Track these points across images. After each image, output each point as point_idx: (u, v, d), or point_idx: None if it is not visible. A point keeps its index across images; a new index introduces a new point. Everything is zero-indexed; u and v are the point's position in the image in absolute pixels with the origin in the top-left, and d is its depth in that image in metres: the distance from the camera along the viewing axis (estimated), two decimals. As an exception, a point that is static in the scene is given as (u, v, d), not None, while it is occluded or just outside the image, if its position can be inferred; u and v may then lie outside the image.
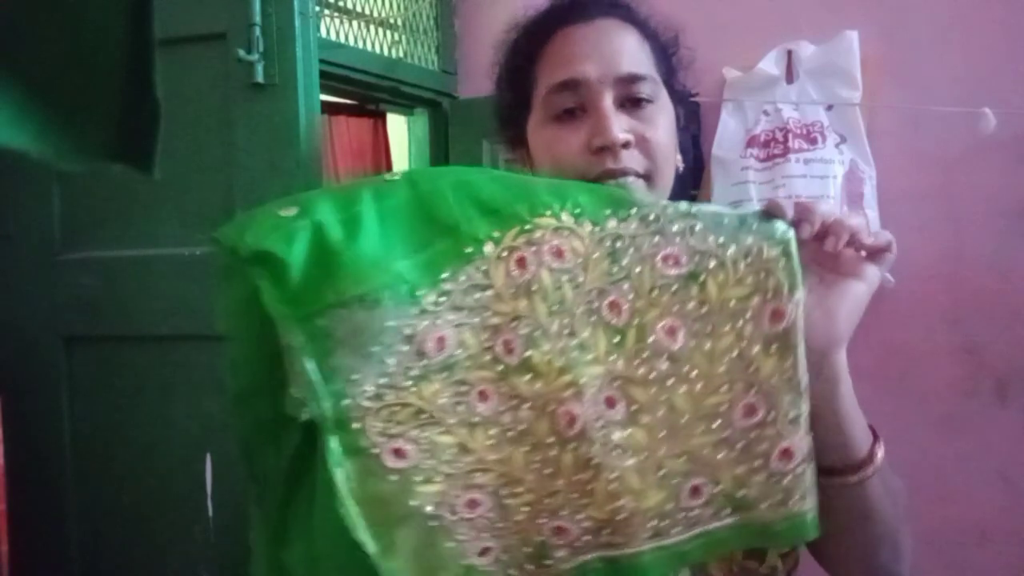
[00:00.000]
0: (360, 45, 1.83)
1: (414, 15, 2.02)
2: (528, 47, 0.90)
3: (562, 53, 0.87)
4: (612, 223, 0.67)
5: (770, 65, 1.87)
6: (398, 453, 0.62)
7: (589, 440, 0.64)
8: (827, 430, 0.74)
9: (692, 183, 1.97)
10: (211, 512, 1.36)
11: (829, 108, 1.82)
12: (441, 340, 0.63)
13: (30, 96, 0.37)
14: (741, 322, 0.66)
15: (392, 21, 1.97)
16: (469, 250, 0.64)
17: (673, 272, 0.66)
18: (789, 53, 1.86)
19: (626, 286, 0.66)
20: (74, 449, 1.44)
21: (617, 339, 0.66)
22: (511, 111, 0.94)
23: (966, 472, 1.76)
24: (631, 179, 0.84)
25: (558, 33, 0.88)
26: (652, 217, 0.67)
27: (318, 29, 1.52)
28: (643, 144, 0.84)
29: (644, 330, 0.66)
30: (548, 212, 0.66)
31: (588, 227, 0.66)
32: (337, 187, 0.91)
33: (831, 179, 1.78)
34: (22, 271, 1.46)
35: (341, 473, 0.61)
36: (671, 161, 0.88)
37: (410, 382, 0.62)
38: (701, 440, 0.66)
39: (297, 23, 1.29)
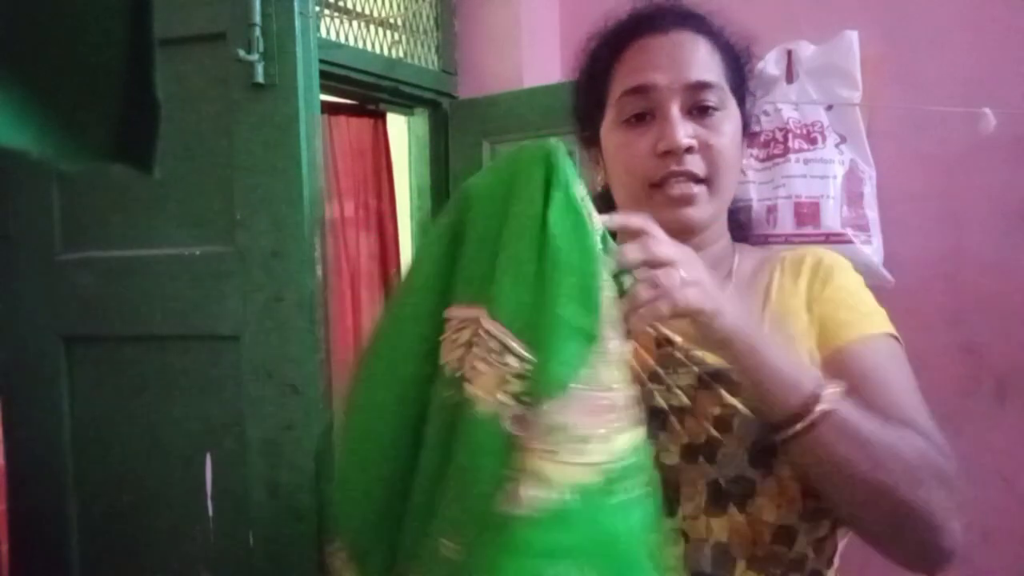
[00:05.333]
0: (360, 45, 1.83)
1: (414, 15, 2.02)
2: (606, 55, 0.97)
3: (636, 61, 0.93)
4: None
5: (770, 65, 1.87)
6: None
7: None
8: (749, 389, 0.80)
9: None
10: (211, 512, 1.36)
11: (829, 108, 1.82)
12: None
13: (30, 96, 0.37)
14: None
15: (392, 21, 1.97)
16: None
17: None
18: (789, 53, 1.86)
19: None
20: (74, 449, 1.44)
21: None
22: (587, 114, 1.00)
23: (966, 472, 1.75)
24: (693, 186, 0.90)
25: (634, 43, 0.94)
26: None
27: (318, 29, 1.52)
28: (706, 150, 0.90)
29: None
30: None
31: None
32: None
33: (831, 179, 1.78)
34: (22, 271, 1.46)
35: None
36: (734, 167, 0.93)
37: None
38: None
39: (297, 23, 1.29)
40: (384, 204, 2.19)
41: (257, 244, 1.30)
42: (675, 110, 0.89)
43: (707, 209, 0.91)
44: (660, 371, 0.87)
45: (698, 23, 0.95)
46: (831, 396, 0.77)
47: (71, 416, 1.44)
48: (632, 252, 0.73)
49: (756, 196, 1.84)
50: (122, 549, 1.42)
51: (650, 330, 0.87)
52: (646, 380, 0.87)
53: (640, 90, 0.91)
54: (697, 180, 0.90)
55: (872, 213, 1.77)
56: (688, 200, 0.90)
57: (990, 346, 1.76)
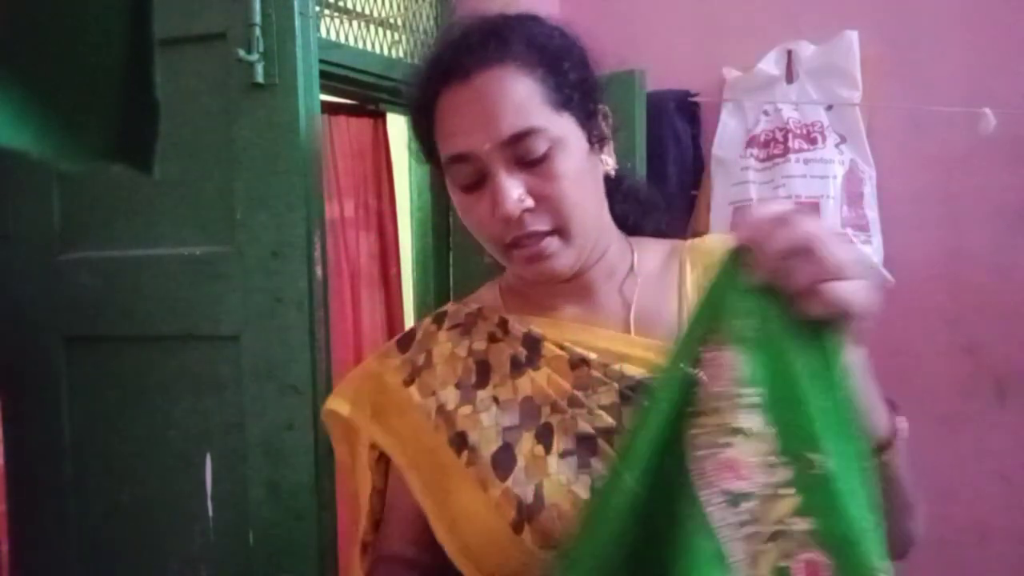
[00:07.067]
0: (360, 45, 1.83)
1: (414, 15, 2.02)
2: (423, 109, 0.90)
3: (449, 123, 0.86)
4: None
5: (770, 65, 1.87)
6: None
7: None
8: None
9: (692, 184, 1.97)
10: (211, 512, 1.36)
11: (829, 108, 1.82)
12: None
13: (30, 96, 0.37)
14: None
15: (392, 21, 1.97)
16: None
17: None
18: (789, 53, 1.87)
19: None
20: (74, 449, 1.44)
21: None
22: (433, 164, 0.93)
23: (966, 472, 1.76)
24: (543, 241, 0.85)
25: (442, 96, 0.87)
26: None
27: (318, 29, 1.52)
28: (545, 202, 0.84)
29: None
30: None
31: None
32: None
33: (831, 179, 1.78)
34: (22, 271, 1.46)
35: None
36: (584, 199, 0.87)
37: None
38: None
39: (297, 23, 1.29)
40: (384, 204, 2.18)
41: (257, 244, 1.30)
42: (500, 173, 0.83)
43: (567, 255, 0.87)
44: (579, 394, 0.85)
45: (501, 49, 0.85)
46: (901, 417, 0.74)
47: (71, 416, 1.44)
48: (782, 234, 0.61)
49: (756, 196, 1.84)
50: (122, 549, 1.42)
51: (562, 352, 0.86)
52: (565, 407, 0.85)
53: (461, 158, 0.85)
54: (547, 234, 0.85)
55: (872, 213, 1.77)
56: (543, 256, 0.86)
57: (990, 346, 1.76)
